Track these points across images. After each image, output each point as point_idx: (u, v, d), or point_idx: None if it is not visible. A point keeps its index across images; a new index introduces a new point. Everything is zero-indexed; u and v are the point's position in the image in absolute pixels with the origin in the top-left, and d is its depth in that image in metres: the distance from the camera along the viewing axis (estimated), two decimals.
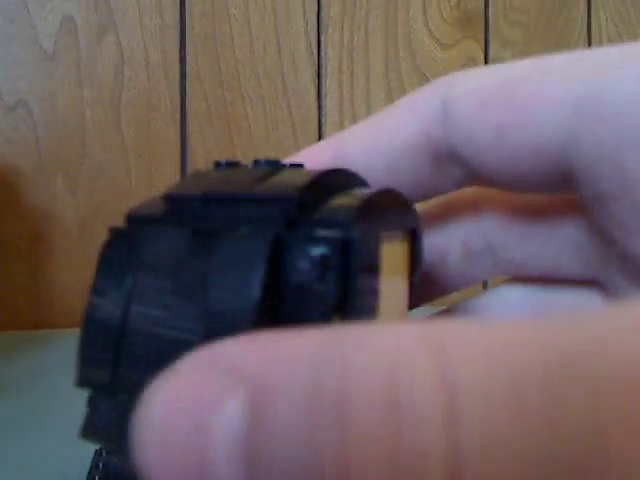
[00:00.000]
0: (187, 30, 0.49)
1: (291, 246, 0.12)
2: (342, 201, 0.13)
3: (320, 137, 0.52)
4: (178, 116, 0.49)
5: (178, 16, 0.49)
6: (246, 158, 0.51)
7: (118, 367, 0.12)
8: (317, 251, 0.12)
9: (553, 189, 0.15)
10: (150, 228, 0.13)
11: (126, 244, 0.14)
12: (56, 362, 0.38)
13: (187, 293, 0.12)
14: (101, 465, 0.21)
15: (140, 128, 0.49)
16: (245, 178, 0.13)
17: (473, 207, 0.18)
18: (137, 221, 0.14)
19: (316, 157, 0.16)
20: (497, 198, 0.17)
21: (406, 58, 0.53)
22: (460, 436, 0.07)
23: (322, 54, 0.52)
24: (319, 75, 0.52)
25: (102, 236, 0.46)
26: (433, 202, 0.18)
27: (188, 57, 0.49)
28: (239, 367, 0.08)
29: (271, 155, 0.45)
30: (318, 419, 0.07)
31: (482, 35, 0.56)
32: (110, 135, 0.48)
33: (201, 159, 0.49)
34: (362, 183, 0.14)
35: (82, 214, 0.48)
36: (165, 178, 0.49)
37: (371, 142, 0.16)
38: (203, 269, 0.12)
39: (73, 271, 0.48)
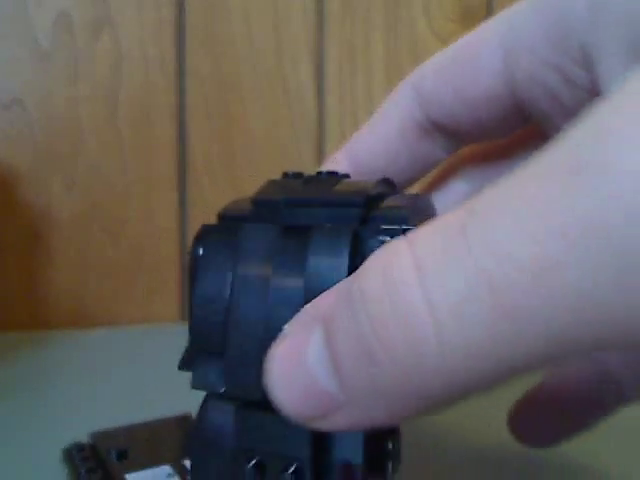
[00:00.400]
0: (185, 26, 0.48)
1: (366, 237, 0.15)
2: (393, 203, 0.16)
3: (320, 135, 0.51)
4: (176, 114, 0.48)
5: (176, 12, 0.48)
6: (245, 156, 0.50)
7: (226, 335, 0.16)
8: (386, 239, 0.15)
9: (517, 126, 0.19)
10: (246, 224, 0.16)
11: (224, 237, 0.17)
12: (52, 363, 0.38)
13: (286, 274, 0.15)
14: None
15: (137, 126, 0.48)
16: (315, 186, 0.17)
17: (459, 170, 0.21)
18: (230, 219, 0.17)
19: (337, 163, 0.20)
20: (476, 156, 0.21)
21: (407, 55, 0.52)
22: (430, 286, 0.11)
23: (322, 51, 0.51)
24: (319, 73, 0.51)
25: (98, 235, 0.45)
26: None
27: (187, 54, 0.48)
28: (319, 312, 0.13)
29: (270, 153, 0.43)
30: (354, 318, 0.12)
31: None
32: (107, 133, 0.47)
33: (199, 157, 0.49)
34: (394, 188, 0.18)
35: (78, 213, 0.47)
36: (162, 177, 0.48)
37: (371, 139, 0.20)
38: (299, 255, 0.15)
39: (69, 270, 0.47)
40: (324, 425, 0.12)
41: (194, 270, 0.17)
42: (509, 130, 0.19)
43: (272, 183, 0.18)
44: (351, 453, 0.16)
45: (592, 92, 0.16)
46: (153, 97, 0.48)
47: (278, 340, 0.13)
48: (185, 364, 0.17)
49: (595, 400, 0.20)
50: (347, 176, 0.18)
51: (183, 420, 0.24)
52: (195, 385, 0.16)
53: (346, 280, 0.13)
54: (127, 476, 0.21)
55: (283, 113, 0.50)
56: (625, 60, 0.14)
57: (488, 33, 0.17)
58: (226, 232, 0.17)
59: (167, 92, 0.48)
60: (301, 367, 0.12)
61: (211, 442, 0.16)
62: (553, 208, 0.10)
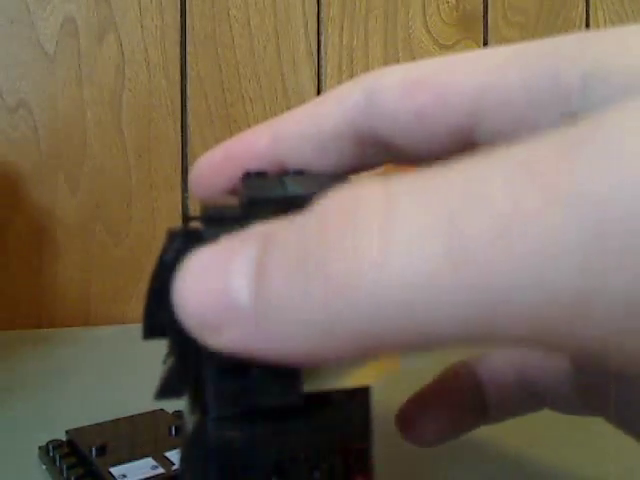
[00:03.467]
0: (187, 31, 0.47)
1: None
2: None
3: None
4: (179, 116, 0.47)
5: (178, 17, 0.47)
6: None
7: None
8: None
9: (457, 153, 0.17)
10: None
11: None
12: (57, 361, 0.37)
13: None
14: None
15: (140, 128, 0.47)
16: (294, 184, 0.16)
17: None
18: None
19: (257, 139, 0.18)
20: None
21: (405, 58, 0.51)
22: (394, 215, 0.10)
23: (322, 54, 0.50)
24: (319, 75, 0.50)
25: (102, 235, 0.44)
26: None
27: (188, 57, 0.47)
28: (257, 230, 0.11)
29: None
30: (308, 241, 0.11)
31: (481, 36, 0.53)
32: (111, 135, 0.46)
33: None
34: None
35: (83, 214, 0.46)
36: (165, 178, 0.47)
37: (303, 127, 0.18)
38: None
39: (74, 270, 0.46)
40: (218, 341, 0.11)
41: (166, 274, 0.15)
42: (449, 156, 0.18)
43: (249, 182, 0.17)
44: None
45: None
46: (156, 100, 0.47)
47: (201, 248, 0.12)
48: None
49: (479, 406, 0.20)
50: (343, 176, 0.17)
51: (156, 415, 0.23)
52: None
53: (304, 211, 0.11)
54: (111, 470, 0.20)
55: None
56: None
57: (464, 69, 0.16)
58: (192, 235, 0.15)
59: (170, 95, 0.47)
60: (219, 273, 0.11)
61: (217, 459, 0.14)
62: (544, 168, 0.09)
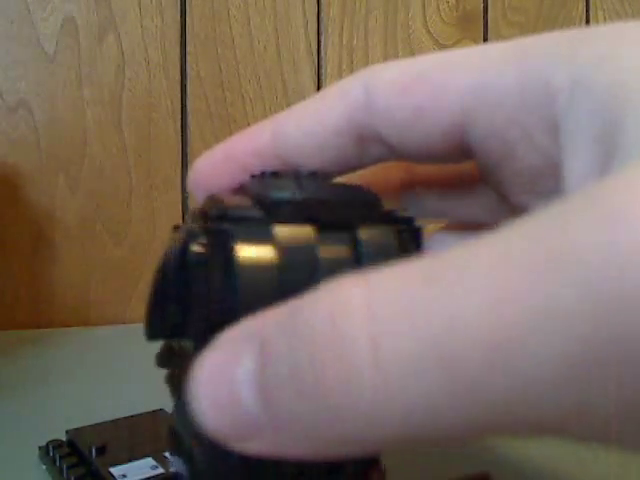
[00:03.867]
0: (187, 31, 0.47)
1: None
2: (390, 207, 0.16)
3: None
4: (179, 116, 0.47)
5: (178, 17, 0.47)
6: None
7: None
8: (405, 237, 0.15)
9: (458, 160, 0.18)
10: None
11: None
12: (56, 361, 0.37)
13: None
14: None
15: (140, 128, 0.46)
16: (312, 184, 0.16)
17: (405, 172, 0.21)
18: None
19: (257, 136, 0.18)
20: (429, 178, 0.21)
21: (405, 58, 0.51)
22: (378, 335, 0.10)
23: (322, 54, 0.50)
24: (319, 75, 0.50)
25: (102, 235, 0.44)
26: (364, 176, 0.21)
27: (188, 57, 0.47)
28: (255, 331, 0.11)
29: None
30: (298, 352, 0.10)
31: (481, 35, 0.53)
32: (111, 135, 0.46)
33: None
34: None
35: (82, 214, 0.46)
36: (165, 178, 0.47)
37: (303, 123, 0.18)
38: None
39: (73, 270, 0.46)
40: (245, 448, 0.11)
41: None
42: (448, 160, 0.18)
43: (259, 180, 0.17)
44: None
45: (550, 157, 0.15)
46: (156, 100, 0.47)
47: (206, 352, 0.12)
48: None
49: None
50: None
51: (156, 415, 0.23)
52: None
53: (292, 303, 0.11)
54: (111, 470, 0.20)
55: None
56: (591, 145, 0.13)
57: (460, 68, 0.16)
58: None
59: (170, 95, 0.47)
60: (228, 385, 0.11)
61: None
62: (521, 290, 0.09)
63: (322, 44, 0.49)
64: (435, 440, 0.10)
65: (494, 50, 0.16)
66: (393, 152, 0.18)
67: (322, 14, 0.49)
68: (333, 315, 0.10)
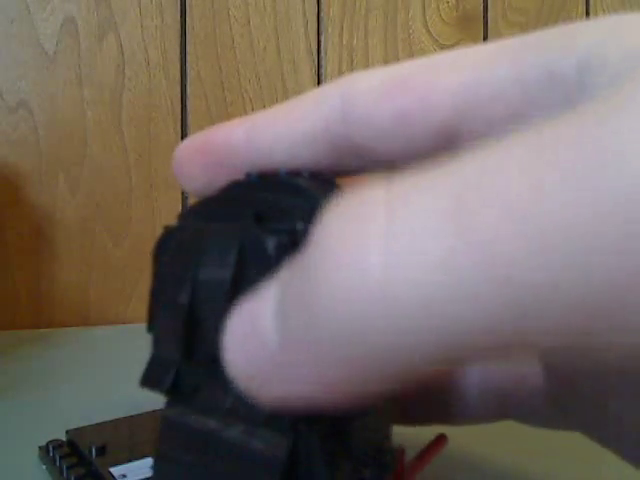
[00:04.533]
0: (187, 31, 0.47)
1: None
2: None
3: None
4: (179, 116, 0.47)
5: (178, 17, 0.47)
6: None
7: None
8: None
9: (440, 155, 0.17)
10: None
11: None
12: (56, 361, 0.37)
13: None
14: None
15: (141, 128, 0.46)
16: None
17: None
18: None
19: (234, 131, 0.18)
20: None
21: (405, 58, 0.51)
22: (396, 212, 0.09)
23: (322, 54, 0.50)
24: (319, 75, 0.50)
25: (102, 235, 0.44)
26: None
27: (188, 57, 0.47)
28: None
29: None
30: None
31: (481, 36, 0.53)
32: (111, 135, 0.46)
33: None
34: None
35: (83, 214, 0.46)
36: (166, 178, 0.47)
37: (276, 126, 0.17)
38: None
39: (73, 270, 0.46)
40: (263, 391, 0.11)
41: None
42: (430, 157, 0.18)
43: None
44: None
45: None
46: (156, 100, 0.47)
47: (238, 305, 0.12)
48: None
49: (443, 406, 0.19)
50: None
51: (156, 415, 0.23)
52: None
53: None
54: (111, 470, 0.20)
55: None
56: None
57: (447, 67, 0.15)
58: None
59: (170, 95, 0.47)
60: (253, 322, 0.11)
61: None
62: (563, 150, 0.09)
63: (322, 44, 0.49)
64: (461, 337, 0.09)
65: (485, 48, 0.15)
66: (370, 163, 0.17)
67: (322, 14, 0.49)
68: (349, 214, 0.10)
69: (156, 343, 0.15)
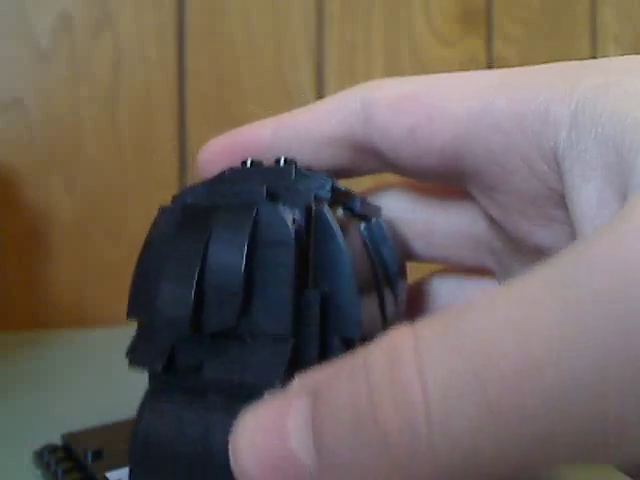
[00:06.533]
0: (185, 27, 0.47)
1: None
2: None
3: None
4: (176, 114, 0.47)
5: (176, 13, 0.47)
6: None
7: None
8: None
9: (452, 181, 0.18)
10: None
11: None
12: (51, 363, 0.37)
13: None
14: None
15: (138, 126, 0.46)
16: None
17: (385, 185, 0.22)
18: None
19: (260, 132, 0.19)
20: (407, 184, 0.21)
21: (407, 55, 0.51)
22: (425, 367, 0.10)
23: (322, 51, 0.50)
24: (319, 72, 0.50)
25: (98, 235, 0.44)
26: None
27: (186, 54, 0.47)
28: (308, 382, 0.11)
29: None
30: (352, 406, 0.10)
31: (484, 32, 0.53)
32: (107, 133, 0.46)
33: None
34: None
35: (78, 213, 0.46)
36: (163, 177, 0.47)
37: (301, 128, 0.19)
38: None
39: (69, 270, 0.46)
40: None
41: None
42: (443, 180, 0.19)
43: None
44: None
45: (550, 184, 0.16)
46: (153, 97, 0.47)
47: (255, 405, 0.11)
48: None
49: None
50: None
51: None
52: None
53: (347, 356, 0.11)
54: (107, 474, 0.20)
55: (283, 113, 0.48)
56: (600, 174, 0.14)
57: (454, 91, 0.17)
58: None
59: (167, 93, 0.47)
60: (277, 434, 0.11)
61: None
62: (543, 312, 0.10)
63: (323, 40, 0.49)
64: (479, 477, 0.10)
65: (489, 77, 0.16)
66: (388, 166, 0.19)
67: (323, 10, 0.49)
68: (387, 356, 0.11)
69: (152, 321, 0.15)
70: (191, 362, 0.15)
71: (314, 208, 0.15)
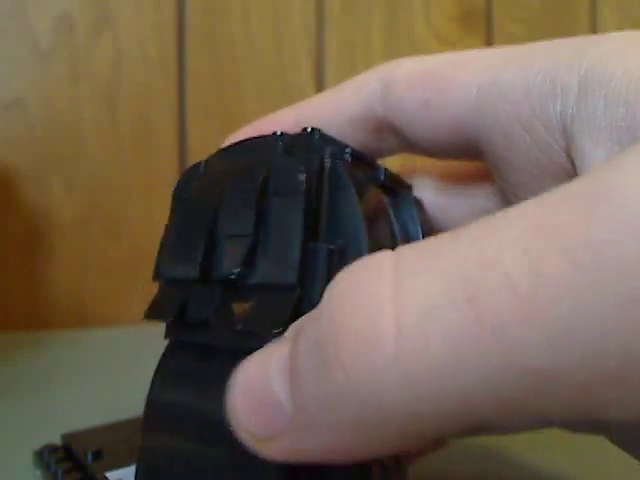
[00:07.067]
0: (185, 26, 0.47)
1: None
2: None
3: None
4: (176, 113, 0.47)
5: (176, 13, 0.47)
6: None
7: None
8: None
9: (467, 156, 0.19)
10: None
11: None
12: (51, 363, 0.37)
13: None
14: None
15: (138, 126, 0.46)
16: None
17: (411, 171, 0.22)
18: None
19: (282, 120, 0.20)
20: (430, 168, 0.22)
21: (407, 54, 0.51)
22: (402, 285, 0.10)
23: (322, 51, 0.50)
24: (319, 71, 0.50)
25: (98, 235, 0.44)
26: None
27: (186, 53, 0.47)
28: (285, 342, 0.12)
29: None
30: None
31: (484, 31, 0.53)
32: (107, 133, 0.46)
33: (199, 157, 0.47)
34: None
35: (78, 212, 0.46)
36: (163, 176, 0.47)
37: (324, 112, 0.20)
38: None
39: (69, 270, 0.46)
40: (269, 448, 0.11)
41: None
42: (458, 156, 0.19)
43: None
44: None
45: (553, 156, 0.16)
46: (153, 97, 0.47)
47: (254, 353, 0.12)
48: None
49: None
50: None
51: None
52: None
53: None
54: (107, 475, 0.20)
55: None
56: (609, 137, 0.14)
57: (467, 66, 0.17)
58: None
59: (167, 92, 0.47)
60: (261, 376, 0.11)
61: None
62: (561, 231, 0.09)
63: (322, 40, 0.49)
64: (452, 411, 0.09)
65: (498, 52, 0.17)
66: (407, 144, 0.19)
67: (323, 10, 0.49)
68: (357, 281, 0.10)
69: (167, 273, 0.15)
70: (201, 314, 0.15)
71: (328, 161, 0.16)
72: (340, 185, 0.15)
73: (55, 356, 0.38)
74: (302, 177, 0.15)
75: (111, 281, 0.47)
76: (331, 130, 0.19)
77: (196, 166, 0.18)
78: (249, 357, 0.12)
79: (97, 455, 0.20)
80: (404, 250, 0.10)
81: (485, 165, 0.19)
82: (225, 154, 0.18)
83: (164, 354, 0.16)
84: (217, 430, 0.13)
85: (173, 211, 0.17)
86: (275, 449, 0.11)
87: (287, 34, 0.49)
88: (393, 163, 0.21)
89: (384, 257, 0.10)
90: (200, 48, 0.47)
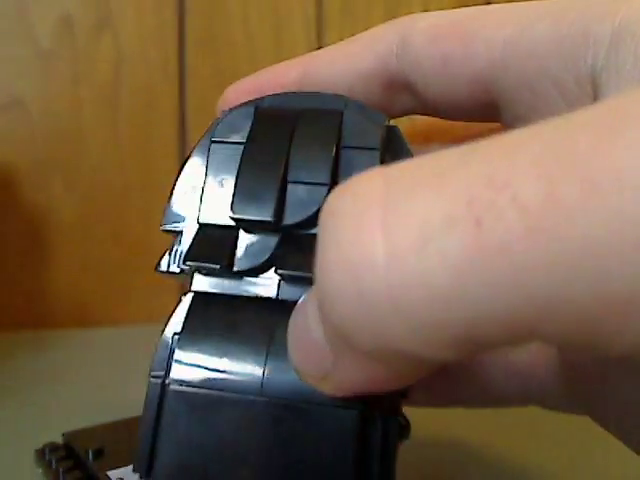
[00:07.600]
0: (186, 28, 0.47)
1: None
2: None
3: None
4: (177, 115, 0.47)
5: (177, 14, 0.47)
6: None
7: None
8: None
9: (483, 116, 0.18)
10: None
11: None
12: (52, 363, 0.37)
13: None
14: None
15: (138, 127, 0.47)
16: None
17: (424, 138, 0.22)
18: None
19: (286, 72, 0.19)
20: (445, 131, 0.21)
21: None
22: (394, 209, 0.09)
23: None
24: None
25: (99, 235, 0.44)
26: None
27: (187, 56, 0.47)
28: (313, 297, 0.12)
29: None
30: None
31: None
32: (108, 134, 0.46)
33: None
34: None
35: (79, 213, 0.46)
36: (164, 177, 0.47)
37: (334, 65, 0.18)
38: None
39: (70, 270, 0.46)
40: (327, 387, 0.12)
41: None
42: (473, 114, 0.18)
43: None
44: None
45: None
46: (154, 99, 0.47)
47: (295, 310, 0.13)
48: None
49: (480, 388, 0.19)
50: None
51: None
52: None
53: None
54: (109, 473, 0.20)
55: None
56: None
57: (493, 19, 0.16)
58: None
59: (168, 94, 0.47)
60: (303, 323, 0.12)
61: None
62: (580, 156, 0.08)
63: (323, 42, 0.50)
64: (452, 339, 0.09)
65: (531, 6, 0.16)
66: (421, 103, 0.18)
67: (322, 11, 0.50)
68: (345, 206, 0.10)
69: (240, 212, 0.15)
70: (253, 261, 0.15)
71: (390, 125, 0.16)
72: (402, 149, 0.16)
73: (55, 356, 0.38)
74: (379, 133, 0.15)
75: (111, 281, 0.47)
76: (340, 86, 0.18)
77: (237, 109, 0.17)
78: (300, 303, 0.13)
79: (98, 454, 0.21)
80: (394, 170, 0.10)
81: (499, 128, 0.18)
82: (281, 100, 0.17)
83: (191, 308, 0.15)
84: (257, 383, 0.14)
85: (209, 151, 0.17)
86: (330, 386, 0.12)
87: (287, 34, 0.49)
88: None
89: (373, 176, 0.10)
90: (200, 50, 0.47)
